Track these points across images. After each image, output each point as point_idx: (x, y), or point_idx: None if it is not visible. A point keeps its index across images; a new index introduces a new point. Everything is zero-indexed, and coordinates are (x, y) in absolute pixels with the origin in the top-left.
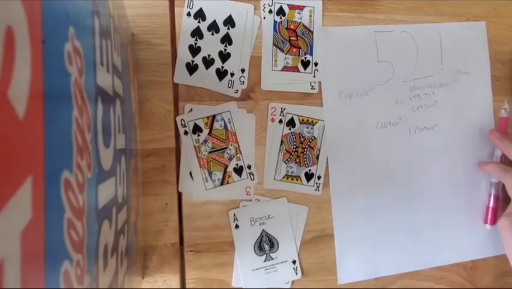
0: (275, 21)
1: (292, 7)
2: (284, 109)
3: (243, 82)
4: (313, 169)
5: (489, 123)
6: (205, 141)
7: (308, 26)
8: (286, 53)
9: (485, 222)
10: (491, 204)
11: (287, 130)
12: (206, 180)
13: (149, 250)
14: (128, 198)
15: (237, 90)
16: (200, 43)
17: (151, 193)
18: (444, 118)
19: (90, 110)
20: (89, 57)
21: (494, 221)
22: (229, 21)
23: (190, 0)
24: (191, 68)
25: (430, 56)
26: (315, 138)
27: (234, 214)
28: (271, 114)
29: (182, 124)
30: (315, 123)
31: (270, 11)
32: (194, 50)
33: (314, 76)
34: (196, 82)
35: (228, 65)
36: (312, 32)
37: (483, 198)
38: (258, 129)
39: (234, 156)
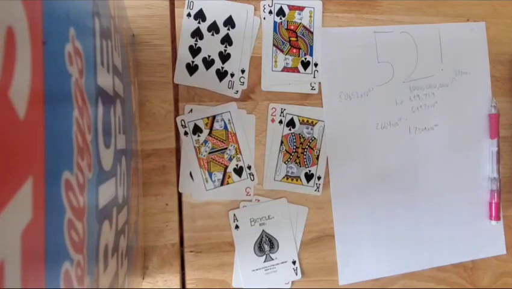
0: (275, 22)
1: (292, 8)
2: (284, 109)
3: (243, 82)
4: (313, 170)
5: (488, 123)
6: (205, 141)
7: (308, 26)
8: (286, 54)
9: (490, 218)
10: (494, 199)
11: (287, 130)
12: (206, 181)
13: (149, 251)
14: (129, 199)
15: (237, 91)
16: (200, 43)
17: (151, 194)
18: (444, 119)
19: (90, 110)
20: (89, 58)
21: (498, 216)
22: (229, 22)
23: (190, 1)
24: (192, 68)
25: (430, 57)
26: (315, 138)
27: (234, 215)
28: (272, 115)
29: (182, 125)
30: (315, 123)
31: (270, 12)
32: (195, 51)
33: (314, 77)
34: (196, 82)
35: (228, 66)
36: (312, 33)
37: (484, 197)
38: (258, 129)
39: (234, 157)
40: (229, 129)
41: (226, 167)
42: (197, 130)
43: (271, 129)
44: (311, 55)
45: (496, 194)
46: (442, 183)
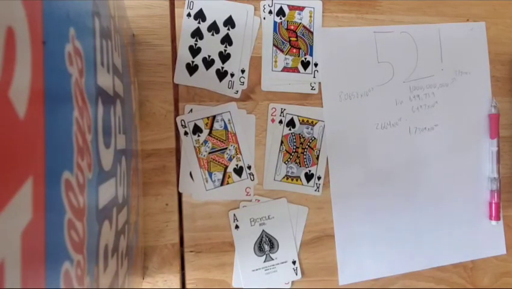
0: (275, 22)
1: (292, 8)
2: (284, 109)
3: (243, 82)
4: (313, 169)
5: (488, 123)
6: (205, 141)
7: (308, 26)
8: (286, 54)
9: (490, 218)
10: (495, 199)
11: (287, 130)
12: (206, 181)
13: (149, 251)
14: (129, 199)
15: (237, 91)
16: (200, 43)
17: (151, 193)
18: (444, 119)
19: (90, 110)
20: (89, 58)
21: (498, 216)
22: (229, 22)
23: (190, 1)
24: (192, 68)
25: (430, 57)
26: (315, 138)
27: (234, 215)
28: (272, 115)
29: (182, 125)
30: (315, 123)
31: (270, 12)
32: (195, 51)
33: (314, 77)
34: (196, 82)
35: (228, 66)
36: (312, 33)
37: (484, 197)
38: (258, 129)
39: (233, 157)
40: (229, 129)
41: (226, 167)
42: (197, 130)
43: (271, 129)
44: (311, 55)
45: (496, 194)
46: (442, 183)
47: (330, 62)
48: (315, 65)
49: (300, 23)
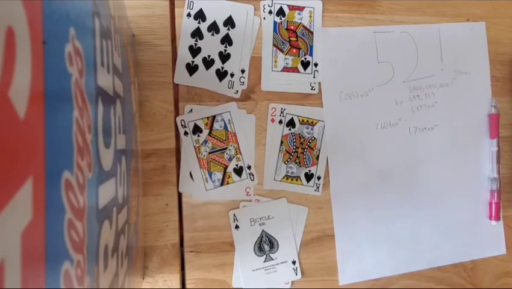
0: (275, 22)
1: (292, 8)
2: (284, 109)
3: (243, 82)
4: (313, 169)
5: (488, 123)
6: (205, 141)
7: (308, 26)
8: (286, 54)
9: (490, 218)
10: (494, 199)
11: (286, 130)
12: (206, 181)
13: (149, 251)
14: (128, 199)
15: (237, 91)
16: (200, 43)
17: (151, 193)
18: (444, 119)
19: (90, 110)
20: (89, 58)
21: (498, 216)
22: (229, 22)
23: (190, 1)
24: (192, 68)
25: (430, 57)
26: (315, 138)
27: (234, 215)
28: (271, 115)
29: (182, 125)
30: (315, 123)
31: (270, 12)
32: (195, 51)
33: (314, 77)
34: (196, 82)
35: (228, 66)
36: (312, 33)
37: (484, 197)
38: (258, 129)
39: (233, 157)
40: (229, 129)
41: (226, 167)
42: (197, 130)
43: (271, 129)
44: (311, 55)
45: (496, 194)
46: (442, 183)
47: (330, 62)
48: (315, 65)
49: (300, 23)
